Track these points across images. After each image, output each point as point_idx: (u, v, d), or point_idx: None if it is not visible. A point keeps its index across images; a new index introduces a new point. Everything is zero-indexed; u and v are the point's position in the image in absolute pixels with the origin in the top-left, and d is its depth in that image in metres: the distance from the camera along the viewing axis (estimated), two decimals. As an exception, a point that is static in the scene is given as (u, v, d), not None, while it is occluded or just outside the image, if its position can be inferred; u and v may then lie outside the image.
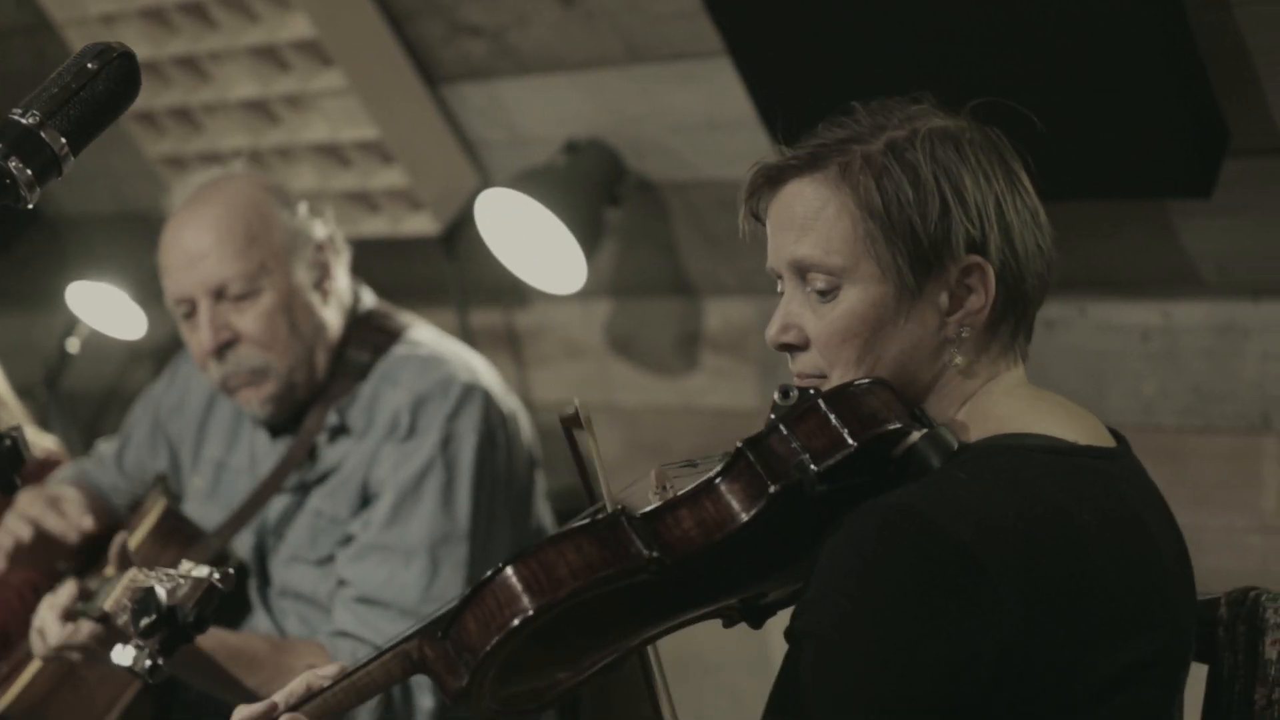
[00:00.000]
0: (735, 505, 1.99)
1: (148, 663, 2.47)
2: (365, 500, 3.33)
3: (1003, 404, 2.11)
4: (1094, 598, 1.95)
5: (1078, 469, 2.02)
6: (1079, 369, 3.46)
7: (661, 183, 3.96)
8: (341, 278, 3.45)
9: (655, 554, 1.96)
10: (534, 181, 3.81)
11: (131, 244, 3.80)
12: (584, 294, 4.20)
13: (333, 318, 3.41)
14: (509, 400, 3.47)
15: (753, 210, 2.19)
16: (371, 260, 3.72)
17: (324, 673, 2.19)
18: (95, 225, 5.37)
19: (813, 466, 1.96)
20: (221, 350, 3.29)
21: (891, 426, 2.01)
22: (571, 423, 2.16)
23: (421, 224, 4.26)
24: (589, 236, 3.84)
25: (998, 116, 2.18)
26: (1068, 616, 1.92)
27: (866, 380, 2.06)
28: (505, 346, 4.55)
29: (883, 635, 1.90)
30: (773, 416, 2.04)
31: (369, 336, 3.44)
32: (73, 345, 4.96)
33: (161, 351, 4.97)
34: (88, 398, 5.56)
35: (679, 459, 2.21)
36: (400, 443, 3.30)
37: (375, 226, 4.33)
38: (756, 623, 2.20)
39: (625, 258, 4.18)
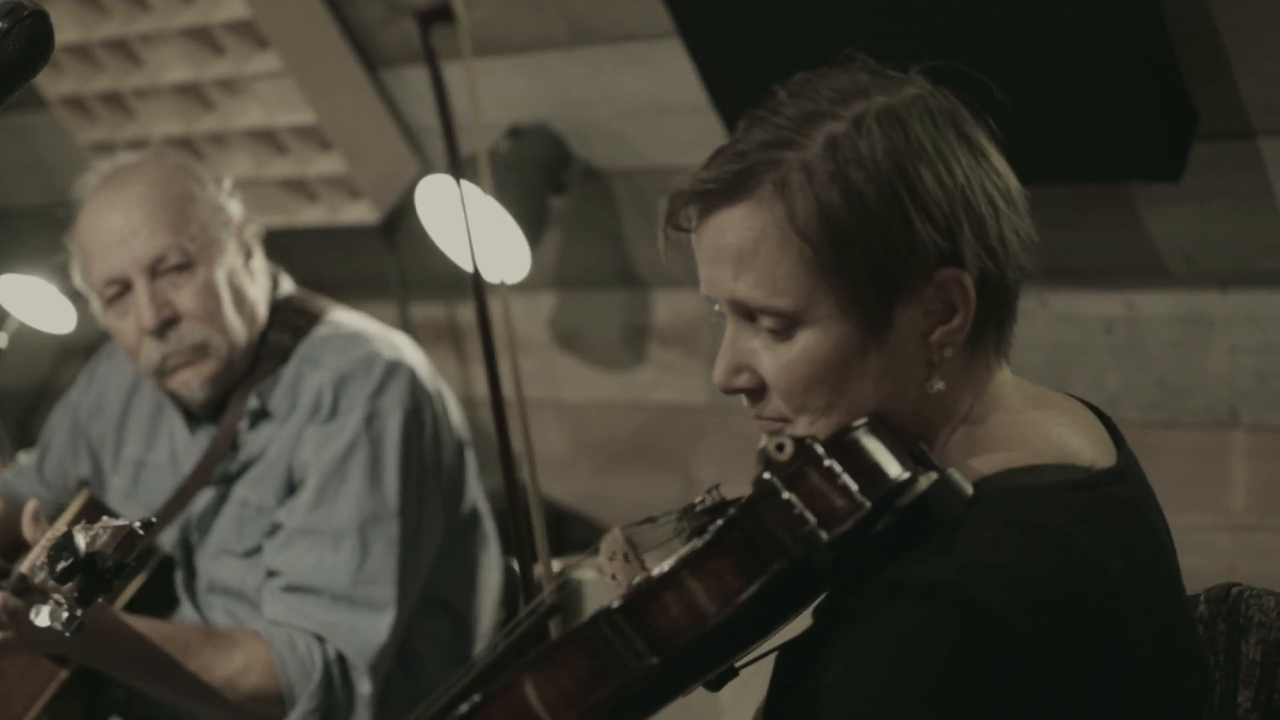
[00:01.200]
0: (731, 583, 1.71)
1: (65, 614, 2.34)
2: (291, 486, 3.23)
3: (1003, 425, 1.88)
4: (1134, 662, 1.77)
5: (1099, 503, 1.82)
6: (1039, 362, 3.37)
7: (609, 170, 3.87)
8: (262, 260, 3.36)
9: (655, 660, 1.69)
10: (477, 166, 3.67)
11: (61, 236, 3.68)
12: (528, 286, 4.11)
13: (259, 299, 3.32)
14: (435, 380, 3.38)
15: (677, 223, 1.88)
16: (309, 251, 3.64)
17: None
18: (24, 217, 5.24)
19: (823, 535, 1.70)
20: (162, 329, 3.18)
21: (903, 476, 1.75)
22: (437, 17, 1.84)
23: (360, 213, 4.16)
24: (533, 225, 3.74)
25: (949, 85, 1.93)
26: (1111, 689, 1.74)
27: (864, 422, 1.80)
28: (447, 340, 4.45)
29: None
30: (766, 476, 1.75)
31: (289, 320, 3.36)
32: (1, 340, 4.83)
33: (93, 346, 4.83)
34: (18, 394, 5.44)
35: (635, 519, 1.97)
36: (323, 423, 3.22)
37: (313, 215, 4.22)
38: (715, 685, 1.93)
39: (570, 248, 4.08)
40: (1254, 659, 1.99)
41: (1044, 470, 1.83)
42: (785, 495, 1.72)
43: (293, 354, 3.30)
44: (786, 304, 1.78)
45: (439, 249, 3.90)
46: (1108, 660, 1.75)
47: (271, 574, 3.18)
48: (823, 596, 1.85)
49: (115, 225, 3.19)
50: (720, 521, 1.74)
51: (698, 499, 1.94)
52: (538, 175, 3.76)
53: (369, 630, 3.13)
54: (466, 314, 4.42)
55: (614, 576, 1.83)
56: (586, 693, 1.69)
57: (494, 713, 1.69)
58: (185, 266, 3.18)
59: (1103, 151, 2.94)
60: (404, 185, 4.06)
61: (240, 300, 3.25)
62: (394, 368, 3.25)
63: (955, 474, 1.78)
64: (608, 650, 1.70)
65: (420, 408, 3.27)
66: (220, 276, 3.21)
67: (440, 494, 3.32)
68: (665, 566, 1.74)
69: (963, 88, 1.89)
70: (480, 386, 4.39)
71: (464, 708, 1.70)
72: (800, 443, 1.77)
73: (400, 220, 4.18)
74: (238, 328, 3.24)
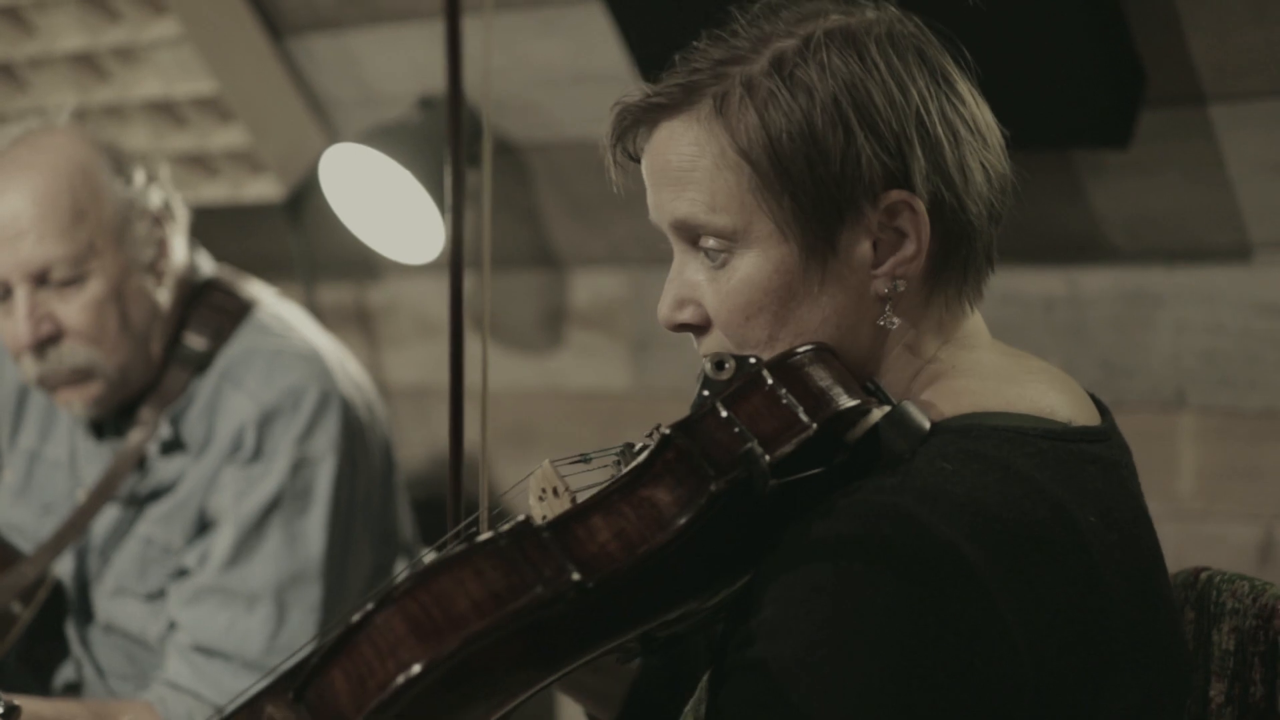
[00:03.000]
0: (665, 510, 1.60)
1: None
2: (202, 527, 2.96)
3: (970, 372, 1.76)
4: (1105, 626, 1.62)
5: (1075, 457, 1.69)
6: None
7: (524, 143, 3.72)
8: (179, 250, 3.06)
9: (578, 576, 1.55)
10: (386, 138, 3.54)
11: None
12: (439, 268, 3.94)
13: (166, 300, 3.01)
14: (366, 393, 3.14)
15: (626, 151, 1.82)
16: (210, 229, 3.47)
17: None
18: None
19: (765, 455, 1.59)
20: (41, 346, 2.90)
21: (850, 403, 1.65)
22: None
23: (264, 189, 3.99)
24: (443, 202, 3.56)
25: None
26: (1077, 651, 1.59)
27: (810, 346, 1.70)
28: (355, 325, 4.29)
29: (865, 671, 1.53)
30: (705, 394, 1.68)
31: (208, 318, 3.06)
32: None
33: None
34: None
35: (567, 454, 1.86)
36: (244, 466, 2.94)
37: (213, 192, 4.04)
38: (656, 657, 1.82)
39: (483, 226, 3.89)
40: (1227, 649, 1.84)
41: (1015, 417, 1.70)
42: (724, 414, 1.63)
43: (210, 364, 3.02)
44: (725, 222, 1.72)
45: (344, 229, 3.75)
46: (1078, 617, 1.60)
47: (176, 627, 2.92)
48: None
49: (1, 217, 2.89)
50: (654, 443, 1.63)
51: (640, 441, 1.81)
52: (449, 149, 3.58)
53: None
54: (376, 297, 4.27)
55: (545, 518, 1.69)
56: (498, 603, 1.52)
57: (395, 617, 1.52)
58: (75, 280, 2.89)
59: (1046, 116, 2.81)
60: (310, 160, 3.90)
61: (140, 312, 2.96)
62: (325, 402, 2.98)
63: (912, 406, 1.68)
64: (525, 564, 1.56)
65: (353, 448, 3.02)
66: (116, 289, 2.92)
67: (370, 541, 3.09)
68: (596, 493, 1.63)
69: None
70: (392, 373, 4.25)
71: (367, 607, 1.54)
72: (742, 360, 1.70)
73: (306, 197, 4.02)
74: (130, 348, 2.95)
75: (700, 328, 1.78)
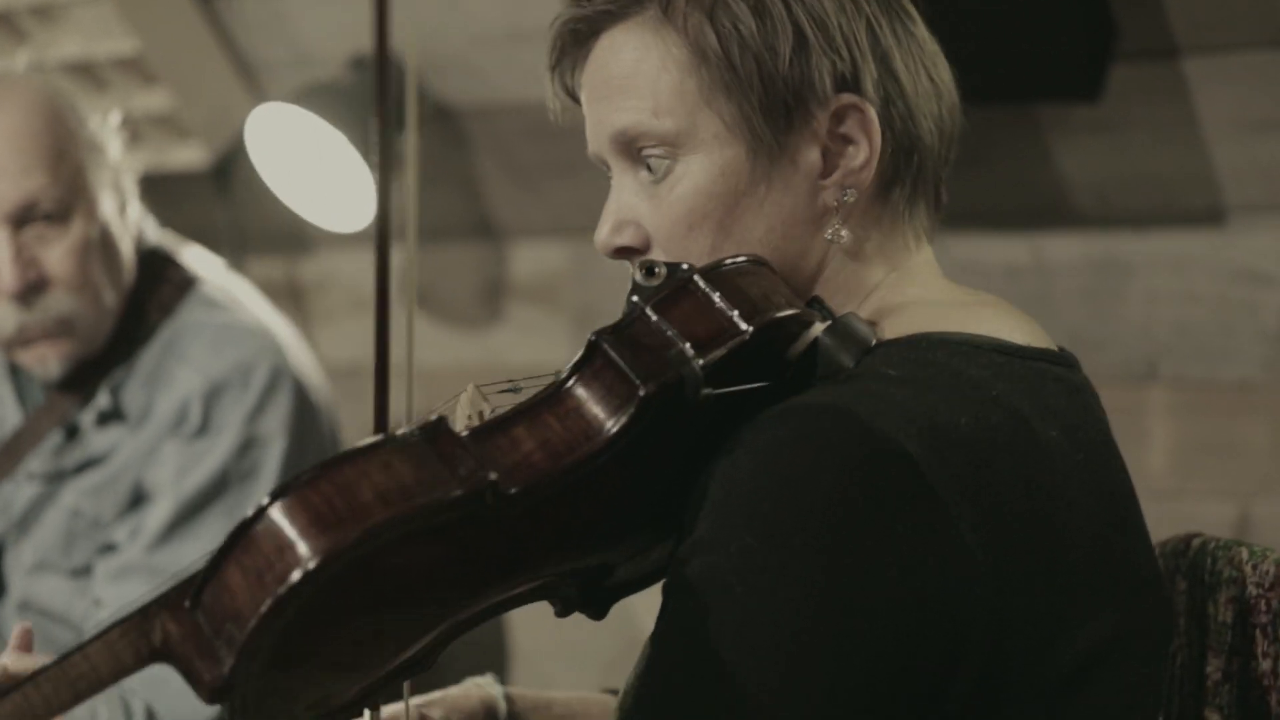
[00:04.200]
0: (593, 419, 1.50)
1: None
2: (136, 501, 2.82)
3: (919, 300, 1.68)
4: (1067, 545, 1.50)
5: (1036, 374, 1.58)
6: None
7: (462, 107, 3.61)
8: (136, 211, 2.94)
9: (494, 476, 1.43)
10: (316, 98, 3.40)
11: None
12: (371, 237, 3.79)
13: (131, 260, 2.88)
14: (317, 377, 3.01)
15: (564, 84, 1.77)
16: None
17: (28, 661, 1.73)
18: None
19: (697, 359, 1.50)
20: (26, 294, 2.74)
21: (788, 311, 1.57)
22: None
23: (189, 155, 3.85)
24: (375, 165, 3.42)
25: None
26: (1038, 570, 1.47)
27: (744, 257, 1.63)
28: (285, 300, 4.12)
29: (805, 574, 1.43)
30: (634, 299, 1.58)
31: (154, 289, 2.92)
32: None
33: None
34: None
35: (497, 381, 1.75)
36: (188, 441, 2.80)
37: (137, 159, 3.86)
38: (599, 611, 1.66)
39: (421, 195, 3.76)
40: (1225, 621, 1.70)
41: (967, 335, 1.60)
42: (654, 318, 1.55)
43: (154, 335, 2.89)
44: (669, 126, 1.67)
45: (275, 198, 3.61)
46: (1041, 533, 1.48)
47: (99, 604, 2.77)
48: None
49: None
50: (581, 351, 1.52)
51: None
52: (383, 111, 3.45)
53: None
54: (307, 271, 4.15)
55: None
56: (405, 496, 1.40)
57: (295, 508, 1.40)
58: (58, 217, 2.74)
59: (1011, 68, 2.74)
60: (238, 125, 3.75)
61: (114, 264, 2.83)
62: (277, 378, 2.85)
63: (855, 318, 1.60)
64: (438, 460, 1.44)
65: (305, 432, 2.89)
66: (99, 234, 2.79)
67: None
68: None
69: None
70: (324, 350, 4.12)
71: (262, 500, 1.42)
72: (674, 267, 1.60)
73: (233, 165, 3.88)
74: (110, 300, 2.82)
75: (640, 250, 1.72)
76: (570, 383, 1.51)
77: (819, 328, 1.58)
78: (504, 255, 3.84)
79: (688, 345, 1.51)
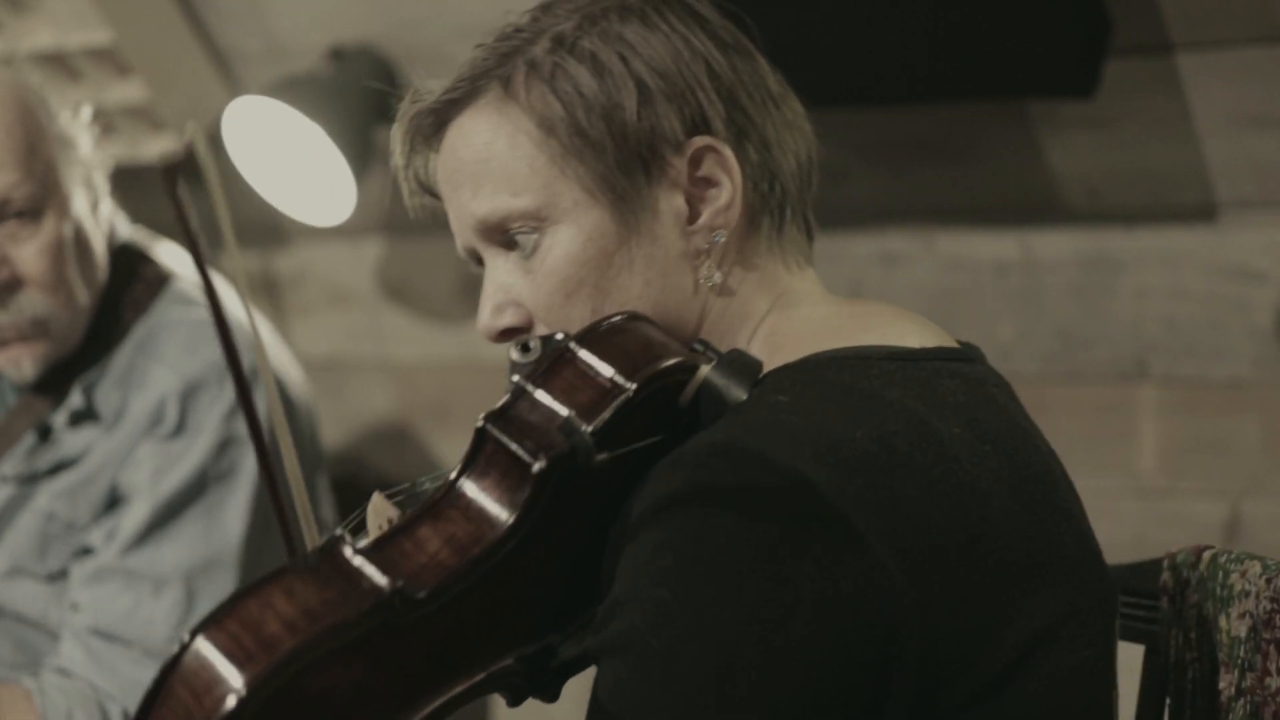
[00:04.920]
0: (493, 505, 1.51)
1: None
2: (112, 503, 2.76)
3: (807, 321, 1.69)
4: (987, 540, 1.49)
5: (931, 373, 1.59)
6: (926, 310, 3.09)
7: (440, 99, 3.51)
8: (108, 207, 2.88)
9: (400, 584, 1.45)
10: (294, 91, 3.35)
11: None
12: (349, 234, 3.81)
13: (104, 257, 2.82)
14: (295, 373, 2.97)
15: (419, 180, 1.82)
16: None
17: None
18: None
19: (585, 426, 1.50)
20: (1, 294, 2.68)
21: (671, 361, 1.58)
22: (176, 173, 1.56)
23: (164, 147, 3.78)
24: (357, 159, 3.38)
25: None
26: (959, 571, 1.46)
27: (621, 314, 1.64)
28: (261, 294, 4.12)
29: (720, 620, 1.42)
30: (515, 379, 1.59)
31: (128, 287, 2.86)
32: None
33: None
34: None
35: (401, 486, 1.74)
36: (164, 441, 2.74)
37: (110, 150, 3.80)
38: (551, 694, 1.67)
39: (396, 188, 3.73)
40: (1238, 635, 1.67)
41: (856, 347, 1.61)
42: (536, 393, 1.56)
43: (128, 334, 2.82)
44: (529, 203, 1.68)
45: (252, 191, 3.55)
46: (958, 532, 1.47)
47: (75, 608, 2.71)
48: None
49: None
50: (471, 441, 1.53)
51: None
52: (363, 102, 3.40)
53: None
54: (283, 264, 4.10)
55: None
56: (312, 620, 1.42)
57: (204, 651, 1.42)
58: (30, 215, 2.67)
59: (1005, 64, 2.70)
60: (213, 117, 3.68)
61: (87, 262, 2.77)
62: (254, 377, 2.74)
63: (741, 352, 1.61)
64: (340, 578, 1.46)
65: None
66: (71, 233, 2.72)
67: None
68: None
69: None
70: (300, 345, 4.10)
71: (173, 649, 1.43)
72: (547, 339, 1.63)
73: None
74: (84, 299, 2.76)
75: (525, 329, 1.72)
76: (466, 474, 1.52)
77: (705, 369, 1.58)
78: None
79: (573, 414, 1.51)
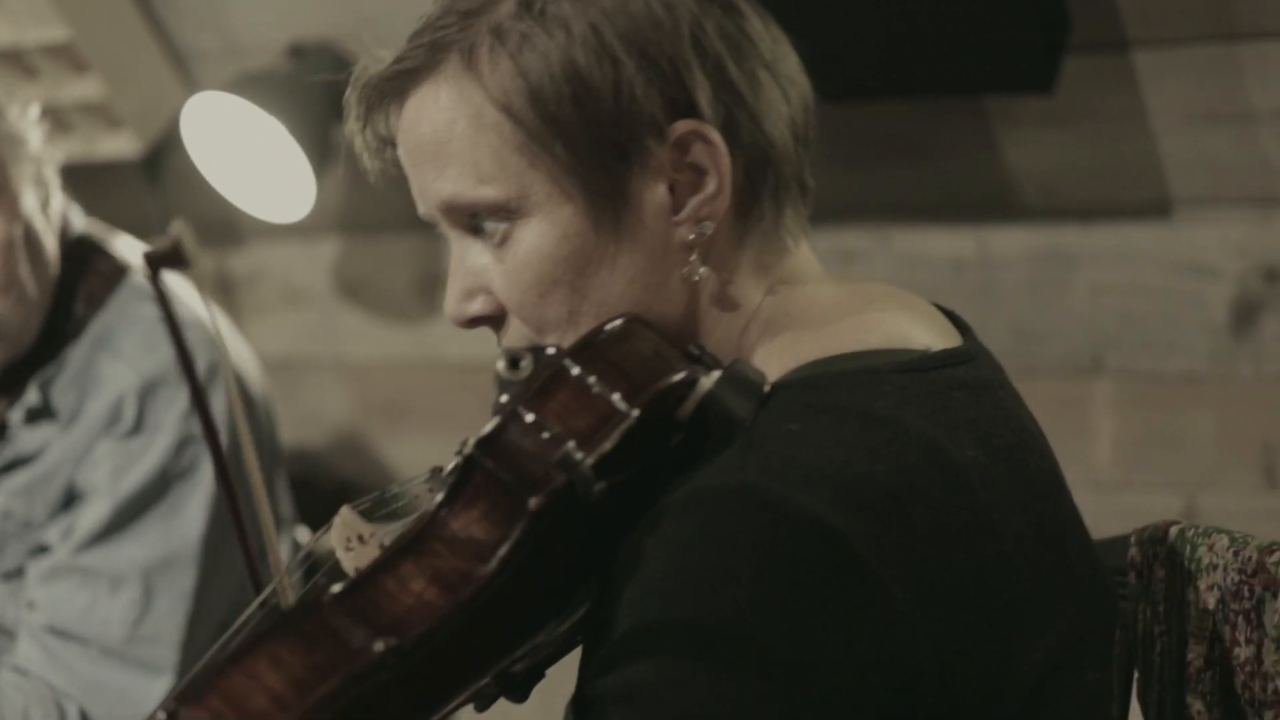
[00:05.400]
0: (483, 541, 1.39)
1: None
2: (68, 501, 2.71)
3: (805, 314, 1.58)
4: (1001, 575, 1.44)
5: (940, 385, 1.50)
6: None
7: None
8: (59, 203, 2.82)
9: (392, 642, 1.34)
10: (253, 87, 3.35)
11: None
12: (305, 232, 3.79)
13: (55, 253, 2.77)
14: (254, 369, 2.94)
15: (378, 134, 1.63)
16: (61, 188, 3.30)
17: None
18: None
19: (584, 458, 1.39)
20: None
21: (675, 378, 1.47)
22: (167, 262, 1.45)
23: (121, 144, 3.77)
24: (316, 157, 3.37)
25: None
26: (975, 610, 1.41)
27: (617, 321, 1.52)
28: (216, 292, 4.08)
29: (738, 682, 1.34)
30: (504, 399, 1.46)
31: (81, 281, 2.80)
32: None
33: None
34: None
35: (364, 495, 1.64)
36: (123, 439, 2.69)
37: (66, 148, 3.76)
38: (521, 695, 1.57)
39: (356, 186, 3.70)
40: (1205, 608, 1.69)
41: (864, 355, 1.52)
42: (529, 418, 1.43)
43: (84, 330, 2.77)
44: (495, 193, 1.53)
45: (207, 189, 3.54)
46: (975, 570, 1.42)
47: (31, 606, 2.66)
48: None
49: None
50: (457, 466, 1.42)
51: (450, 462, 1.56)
52: (321, 100, 3.39)
53: (139, 696, 2.62)
54: (238, 263, 4.07)
55: (357, 570, 1.47)
56: (303, 692, 1.31)
57: (194, 717, 1.31)
58: None
59: (966, 61, 2.69)
60: (170, 115, 3.69)
61: (39, 260, 2.70)
62: (213, 374, 2.72)
63: (744, 365, 1.49)
64: (327, 638, 1.34)
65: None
66: (18, 232, 2.65)
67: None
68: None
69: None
70: (255, 345, 4.03)
71: (162, 711, 1.32)
72: (539, 352, 1.52)
73: (164, 155, 3.81)
74: (35, 299, 2.70)
75: (495, 318, 1.59)
76: (452, 504, 1.42)
77: (706, 383, 1.48)
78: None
79: (571, 444, 1.40)
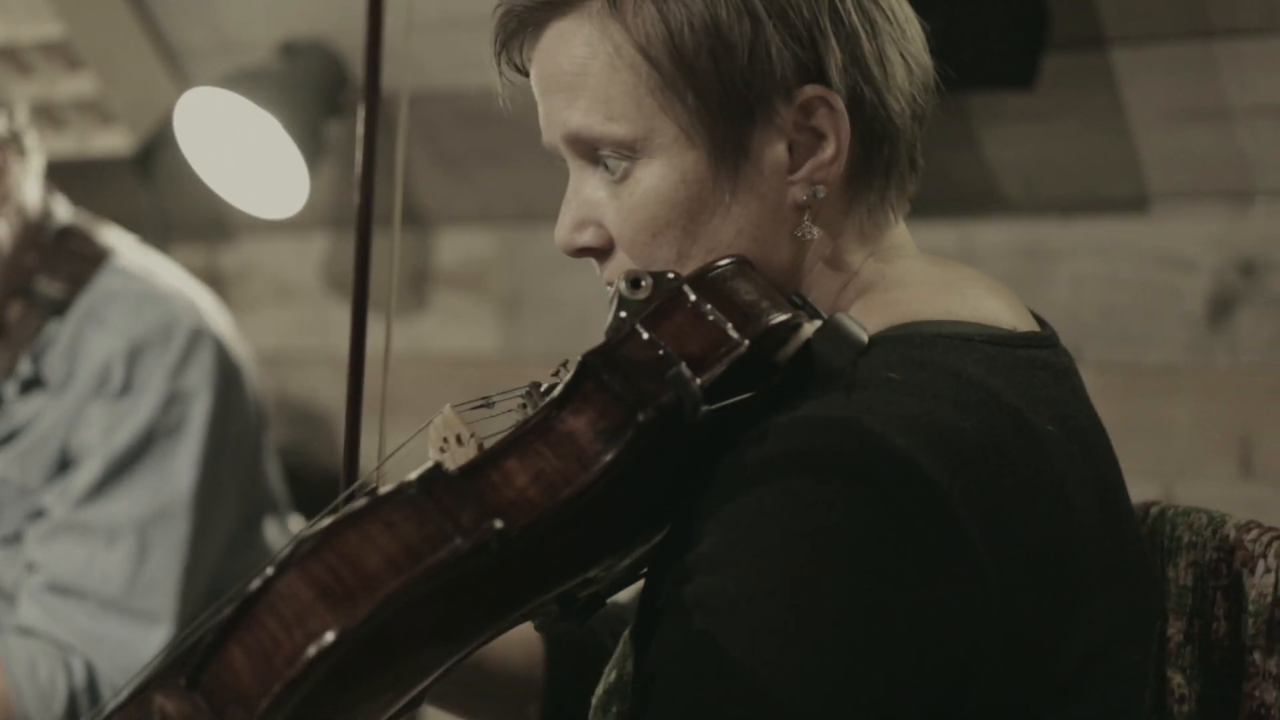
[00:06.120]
0: (588, 446, 1.42)
1: None
2: (63, 465, 2.79)
3: (902, 282, 1.62)
4: (1070, 545, 1.47)
5: (1025, 363, 1.55)
6: None
7: (391, 93, 3.51)
8: (30, 187, 2.88)
9: (500, 524, 1.36)
10: (245, 84, 3.37)
11: None
12: (295, 229, 3.81)
13: (5, 235, 2.83)
14: (238, 345, 2.99)
15: (514, 62, 1.67)
16: (54, 184, 3.29)
17: None
18: None
19: (694, 378, 1.42)
20: None
21: (781, 317, 1.50)
22: None
23: (113, 141, 3.79)
24: (308, 153, 3.40)
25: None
26: (1044, 575, 1.44)
27: (731, 259, 1.55)
28: (208, 288, 4.06)
29: (821, 600, 1.37)
30: (622, 314, 1.51)
31: (64, 264, 2.88)
32: None
33: None
34: None
35: (471, 400, 1.69)
36: (112, 400, 2.77)
37: (60, 145, 3.82)
38: (581, 620, 1.60)
39: (346, 182, 3.75)
40: (1185, 584, 1.73)
41: (956, 324, 1.56)
42: (646, 335, 1.46)
43: (70, 308, 2.85)
44: (623, 131, 1.57)
45: (199, 185, 3.57)
46: (1046, 539, 1.45)
47: (31, 568, 2.74)
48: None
49: None
50: (570, 373, 1.46)
51: (549, 379, 1.63)
52: (313, 97, 3.43)
53: (138, 645, 2.70)
54: (230, 259, 4.09)
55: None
56: (415, 558, 1.33)
57: (300, 581, 1.32)
58: None
59: (947, 57, 2.62)
60: (162, 111, 3.71)
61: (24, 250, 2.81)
62: (197, 336, 2.83)
63: (845, 317, 1.52)
64: (440, 513, 1.37)
65: (228, 386, 2.87)
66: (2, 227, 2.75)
67: (238, 485, 2.93)
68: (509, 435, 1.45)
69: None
70: (246, 339, 4.06)
71: (266, 573, 1.33)
72: (659, 277, 1.53)
73: (157, 151, 3.83)
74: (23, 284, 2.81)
75: (603, 251, 1.63)
76: (562, 409, 1.44)
77: (808, 329, 1.51)
78: (430, 243, 3.78)
79: (684, 365, 1.43)
